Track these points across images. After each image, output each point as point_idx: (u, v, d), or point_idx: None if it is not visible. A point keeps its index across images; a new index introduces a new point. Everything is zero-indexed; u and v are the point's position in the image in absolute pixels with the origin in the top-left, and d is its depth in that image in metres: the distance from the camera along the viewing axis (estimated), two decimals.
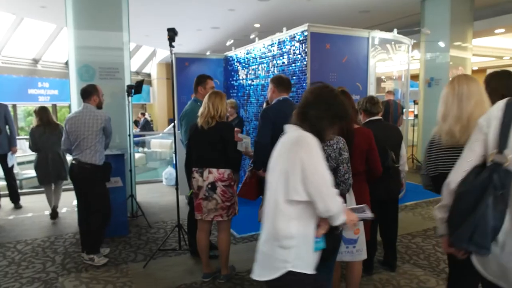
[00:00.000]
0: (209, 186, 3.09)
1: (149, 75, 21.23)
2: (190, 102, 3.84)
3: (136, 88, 4.88)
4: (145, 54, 18.92)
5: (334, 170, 2.09)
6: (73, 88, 4.87)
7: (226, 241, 3.25)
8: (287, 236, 1.66)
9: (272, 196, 1.73)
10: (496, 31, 10.30)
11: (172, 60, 3.89)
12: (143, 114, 15.02)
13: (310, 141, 1.69)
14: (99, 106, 3.76)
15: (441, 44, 7.91)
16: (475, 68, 16.81)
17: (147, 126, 13.82)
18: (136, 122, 17.47)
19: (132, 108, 5.26)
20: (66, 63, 5.81)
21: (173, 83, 4.09)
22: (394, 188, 3.33)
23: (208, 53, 7.19)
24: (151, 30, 11.32)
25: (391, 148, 3.16)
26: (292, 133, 1.77)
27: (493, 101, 1.70)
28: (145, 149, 10.56)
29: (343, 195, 2.11)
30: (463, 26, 8.14)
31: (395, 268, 3.48)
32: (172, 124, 4.11)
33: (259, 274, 1.76)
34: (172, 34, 3.59)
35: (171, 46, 3.64)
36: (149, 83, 21.24)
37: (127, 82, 5.03)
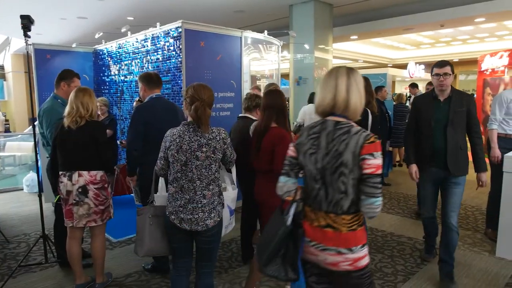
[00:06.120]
0: (80, 190, 2.85)
1: (2, 67, 18.43)
2: (49, 99, 3.48)
3: None
4: None
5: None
6: None
7: (101, 247, 3.04)
8: None
9: None
10: (352, 37, 11.78)
11: (28, 52, 3.43)
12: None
13: None
14: None
15: (307, 46, 8.68)
16: None
17: None
18: None
19: None
20: None
21: (30, 77, 3.62)
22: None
23: (74, 45, 6.54)
24: (0, 15, 9.83)
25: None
26: None
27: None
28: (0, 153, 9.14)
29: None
30: (325, 31, 9.07)
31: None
32: (33, 124, 3.64)
33: None
34: (26, 22, 3.17)
35: (26, 36, 3.21)
36: (3, 76, 18.45)
37: None
